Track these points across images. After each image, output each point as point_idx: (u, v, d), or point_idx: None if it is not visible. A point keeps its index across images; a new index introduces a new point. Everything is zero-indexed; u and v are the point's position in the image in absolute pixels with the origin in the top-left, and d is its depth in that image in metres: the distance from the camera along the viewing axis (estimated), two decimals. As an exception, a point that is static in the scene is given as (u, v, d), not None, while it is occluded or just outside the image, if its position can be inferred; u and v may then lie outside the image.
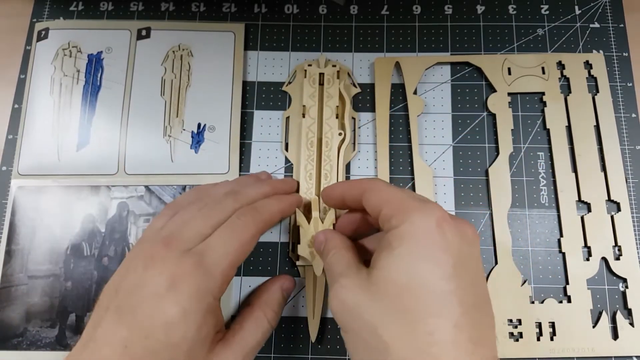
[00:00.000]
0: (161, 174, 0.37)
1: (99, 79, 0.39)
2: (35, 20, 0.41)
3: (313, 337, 0.33)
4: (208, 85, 0.39)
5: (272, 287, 0.32)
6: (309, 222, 0.34)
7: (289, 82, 0.39)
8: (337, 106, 0.37)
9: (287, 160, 0.38)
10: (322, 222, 0.34)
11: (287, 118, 0.38)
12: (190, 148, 0.37)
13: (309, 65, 0.38)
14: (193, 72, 0.39)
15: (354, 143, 0.38)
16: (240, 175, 0.37)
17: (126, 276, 0.26)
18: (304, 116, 0.37)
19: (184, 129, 0.38)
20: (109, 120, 0.38)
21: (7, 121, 0.38)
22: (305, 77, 0.38)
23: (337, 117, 0.37)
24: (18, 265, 0.35)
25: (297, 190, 0.35)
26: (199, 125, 0.38)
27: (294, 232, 0.35)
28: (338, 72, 0.38)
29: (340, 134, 0.36)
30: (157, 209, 0.36)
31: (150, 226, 0.30)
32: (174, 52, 0.39)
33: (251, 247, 0.28)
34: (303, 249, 0.34)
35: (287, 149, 0.38)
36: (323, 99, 0.37)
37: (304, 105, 0.37)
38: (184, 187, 0.36)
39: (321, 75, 0.38)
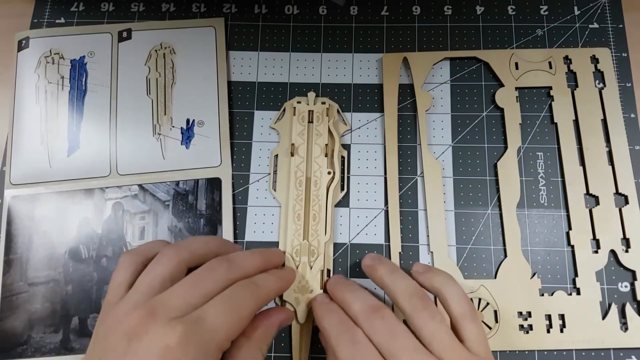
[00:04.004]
0: (154, 172, 0.37)
1: (84, 83, 0.39)
2: (36, 20, 0.41)
3: None
4: (193, 80, 0.39)
5: (269, 321, 0.29)
6: (297, 267, 0.34)
7: (278, 119, 0.38)
8: (326, 144, 0.37)
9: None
10: (311, 268, 0.34)
11: (276, 156, 0.37)
12: (181, 144, 0.37)
13: (298, 102, 0.38)
14: (177, 69, 0.39)
15: (342, 183, 0.37)
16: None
17: (107, 354, 0.23)
18: (292, 155, 0.36)
19: (173, 126, 0.38)
20: (97, 123, 0.38)
21: (8, 121, 0.38)
22: (294, 114, 0.37)
23: (325, 156, 0.36)
24: (17, 274, 0.35)
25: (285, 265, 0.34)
26: (187, 121, 0.38)
27: None
28: (327, 109, 0.38)
29: (329, 173, 0.36)
30: (152, 206, 0.36)
31: (113, 284, 0.27)
32: (156, 51, 0.39)
33: (247, 324, 0.27)
34: (289, 295, 0.33)
35: (274, 188, 0.37)
36: (312, 137, 0.37)
37: (292, 144, 0.37)
38: (177, 183, 0.36)
39: (310, 112, 0.38)
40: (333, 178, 0.36)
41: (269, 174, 0.37)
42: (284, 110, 0.38)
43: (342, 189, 0.37)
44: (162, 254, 0.27)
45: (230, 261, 0.28)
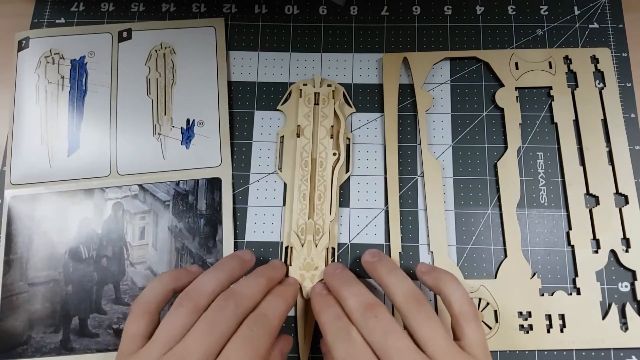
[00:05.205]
0: (154, 172, 0.37)
1: (84, 83, 0.39)
2: (36, 20, 0.41)
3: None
4: (193, 80, 0.39)
5: (272, 352, 0.30)
6: (302, 245, 0.34)
7: (284, 102, 0.39)
8: (332, 126, 0.37)
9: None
10: (316, 246, 0.34)
11: (282, 138, 0.38)
12: (181, 144, 0.37)
13: (304, 84, 0.38)
14: (177, 69, 0.39)
15: (347, 164, 0.37)
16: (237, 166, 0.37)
17: None
18: (298, 136, 0.37)
19: (173, 126, 0.38)
20: (97, 123, 0.38)
21: (8, 121, 0.38)
22: (300, 96, 0.38)
23: (331, 137, 0.37)
24: (17, 274, 0.35)
25: (287, 273, 0.34)
26: (187, 121, 0.38)
27: (286, 254, 0.35)
28: (333, 91, 0.38)
29: (334, 154, 0.36)
30: (152, 206, 0.36)
31: (127, 335, 0.27)
32: (156, 51, 0.39)
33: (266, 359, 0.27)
34: (294, 271, 0.34)
35: (280, 169, 0.37)
36: (318, 119, 0.37)
37: (298, 125, 0.37)
38: (177, 183, 0.36)
39: (316, 95, 0.38)
40: (338, 159, 0.36)
41: (275, 160, 0.37)
42: (290, 92, 0.39)
43: (347, 170, 0.37)
44: (179, 305, 0.27)
45: (236, 295, 0.28)
